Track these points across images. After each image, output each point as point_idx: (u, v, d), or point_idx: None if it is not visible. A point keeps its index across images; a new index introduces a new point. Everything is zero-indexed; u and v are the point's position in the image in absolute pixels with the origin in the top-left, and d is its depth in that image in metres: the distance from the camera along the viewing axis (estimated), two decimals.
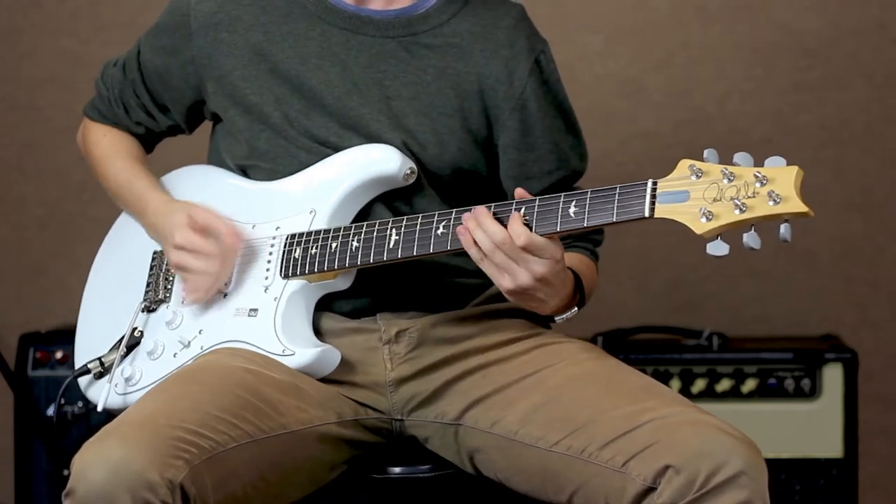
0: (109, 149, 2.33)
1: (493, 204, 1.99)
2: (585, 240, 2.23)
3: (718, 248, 1.82)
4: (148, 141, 2.38)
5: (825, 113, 3.29)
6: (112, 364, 2.21)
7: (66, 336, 2.95)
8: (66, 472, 1.90)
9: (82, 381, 2.26)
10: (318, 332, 2.15)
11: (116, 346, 2.23)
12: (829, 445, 2.93)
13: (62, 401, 2.86)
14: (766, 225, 1.82)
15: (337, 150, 2.16)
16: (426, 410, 2.15)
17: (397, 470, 2.16)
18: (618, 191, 1.90)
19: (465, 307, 2.19)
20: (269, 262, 2.15)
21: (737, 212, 1.81)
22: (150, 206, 2.23)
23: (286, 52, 2.17)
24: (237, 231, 2.16)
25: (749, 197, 1.81)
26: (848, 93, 3.29)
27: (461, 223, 1.98)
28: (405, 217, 2.06)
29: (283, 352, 2.09)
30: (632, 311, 3.25)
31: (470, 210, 1.99)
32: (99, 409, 2.20)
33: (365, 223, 2.09)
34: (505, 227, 1.95)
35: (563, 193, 1.95)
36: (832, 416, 2.93)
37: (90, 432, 2.09)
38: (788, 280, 3.30)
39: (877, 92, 3.29)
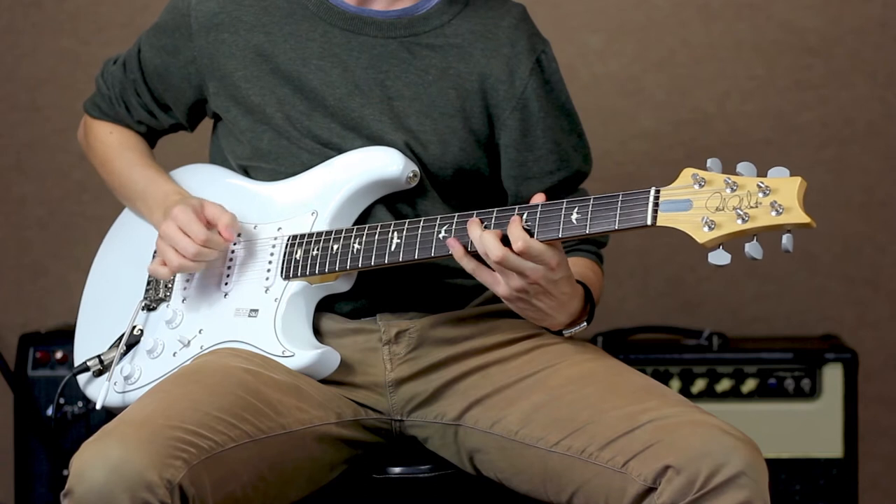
0: (118, 144, 2.33)
1: (495, 209, 1.99)
2: (590, 242, 2.23)
3: (720, 258, 1.82)
4: (150, 139, 2.38)
5: (827, 112, 3.29)
6: (111, 362, 2.21)
7: (66, 336, 2.95)
8: (65, 472, 1.89)
9: (81, 378, 2.26)
10: (317, 332, 2.15)
11: (116, 344, 2.23)
12: (829, 445, 2.92)
13: (61, 400, 2.87)
14: (768, 235, 1.81)
15: (339, 150, 2.16)
16: (426, 411, 2.15)
17: (397, 470, 2.16)
18: (620, 198, 1.90)
19: (464, 308, 2.19)
20: (270, 262, 2.15)
21: (739, 221, 1.81)
22: (170, 198, 2.21)
23: (288, 53, 2.17)
24: (235, 229, 2.15)
25: (752, 207, 1.81)
26: (850, 91, 3.28)
27: (463, 227, 1.98)
28: (407, 220, 2.06)
29: (282, 353, 2.09)
30: (632, 311, 3.25)
31: (472, 215, 1.99)
32: (97, 406, 2.21)
33: (367, 226, 2.09)
34: (504, 233, 1.95)
35: (565, 200, 1.95)
36: (832, 416, 2.92)
37: (90, 432, 2.09)
38: (788, 280, 3.30)
39: (879, 90, 3.28)
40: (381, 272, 2.10)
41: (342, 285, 2.14)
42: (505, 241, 1.96)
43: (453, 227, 2.01)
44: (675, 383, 2.95)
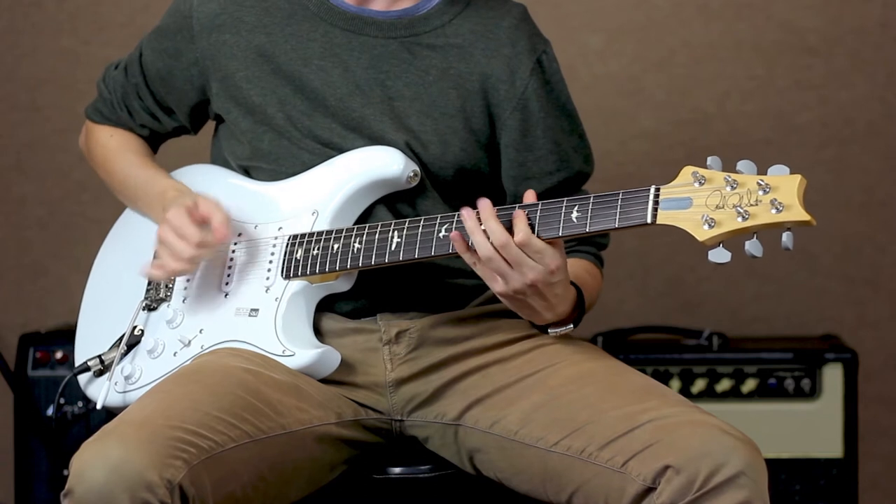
0: (118, 146, 2.34)
1: (498, 207, 1.98)
2: (590, 243, 2.23)
3: (720, 256, 1.82)
4: (152, 142, 2.38)
5: (826, 112, 3.29)
6: (112, 362, 2.21)
7: (66, 336, 2.95)
8: (65, 472, 1.89)
9: (82, 378, 2.26)
10: (318, 332, 2.15)
11: (117, 344, 2.23)
12: (829, 445, 2.92)
13: (62, 401, 2.87)
14: (768, 233, 1.81)
15: (340, 151, 2.16)
16: (426, 411, 2.15)
17: (397, 470, 2.16)
18: (620, 196, 1.90)
19: (465, 308, 2.19)
20: (270, 262, 2.15)
21: (739, 219, 1.81)
22: (167, 194, 2.21)
23: (288, 53, 2.17)
24: (230, 228, 2.14)
25: (752, 205, 1.81)
26: (850, 91, 3.28)
27: (461, 225, 1.98)
28: (407, 219, 2.06)
29: (283, 352, 2.09)
30: (632, 311, 3.25)
31: (469, 209, 1.98)
32: (98, 406, 2.21)
33: (367, 225, 2.09)
34: (507, 228, 1.95)
35: (566, 198, 1.95)
36: (832, 416, 2.92)
37: (90, 432, 2.09)
38: (788, 280, 3.30)
39: (878, 90, 3.29)
40: (381, 272, 2.10)
41: (343, 285, 2.14)
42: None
43: (453, 226, 2.01)
44: (675, 383, 2.95)
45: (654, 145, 3.29)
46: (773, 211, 1.79)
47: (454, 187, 2.17)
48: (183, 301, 2.21)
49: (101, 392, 2.21)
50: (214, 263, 2.18)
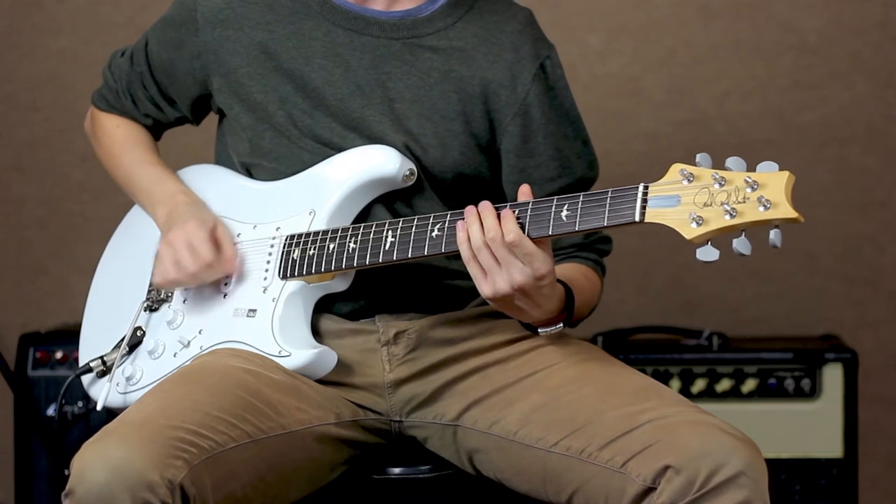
0: (125, 138, 2.34)
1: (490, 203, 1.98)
2: (591, 250, 2.22)
3: (708, 254, 1.81)
4: (155, 131, 2.38)
5: (826, 112, 3.29)
6: (114, 363, 2.21)
7: (66, 336, 2.96)
8: (66, 472, 1.89)
9: (85, 379, 2.27)
10: (317, 333, 2.15)
11: (119, 345, 2.23)
12: (829, 445, 2.92)
13: (62, 401, 2.86)
14: (757, 230, 1.80)
15: (340, 150, 2.16)
16: (424, 412, 2.15)
17: (397, 470, 2.16)
18: (609, 194, 1.89)
19: (463, 308, 2.19)
20: (268, 262, 2.15)
21: (727, 217, 1.79)
22: (177, 197, 2.22)
23: (290, 51, 2.17)
24: (235, 265, 2.16)
25: (739, 202, 1.79)
26: (850, 91, 3.28)
27: (455, 226, 1.97)
28: (401, 219, 2.05)
29: (279, 353, 2.09)
30: (632, 311, 3.25)
31: (469, 208, 1.98)
32: (98, 408, 2.21)
33: (362, 225, 2.09)
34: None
35: (556, 197, 1.94)
36: (832, 416, 2.92)
37: (90, 432, 2.09)
38: (788, 280, 3.30)
39: (878, 90, 3.28)
40: (380, 273, 2.10)
41: (340, 284, 2.14)
42: None
43: (446, 225, 2.01)
44: (675, 383, 2.95)
45: (654, 145, 3.29)
46: (761, 208, 1.78)
47: (453, 190, 2.17)
48: (183, 302, 2.21)
49: (101, 393, 2.21)
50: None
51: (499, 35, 2.16)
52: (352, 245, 2.08)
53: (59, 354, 2.96)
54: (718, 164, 1.84)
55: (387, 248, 2.05)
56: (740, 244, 1.80)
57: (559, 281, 2.03)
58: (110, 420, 1.95)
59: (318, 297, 2.14)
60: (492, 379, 2.12)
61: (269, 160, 2.19)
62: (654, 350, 2.99)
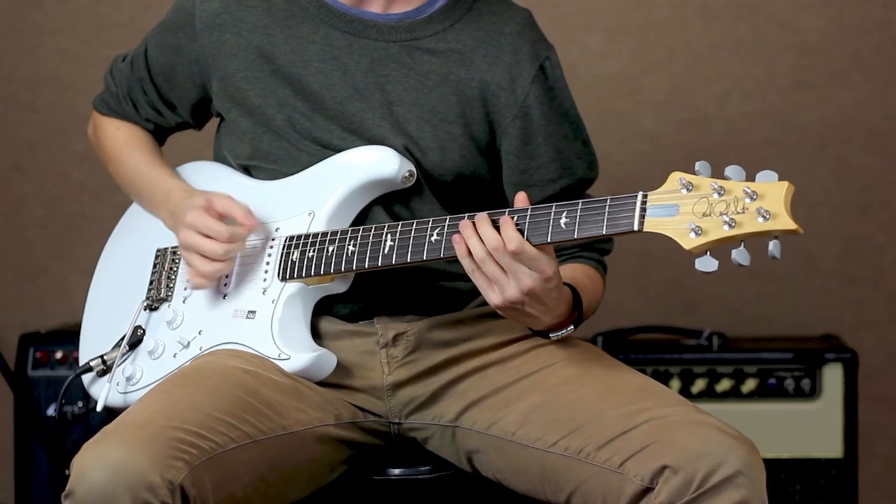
0: (125, 142, 2.34)
1: (487, 212, 1.97)
2: (592, 249, 2.22)
3: (707, 264, 1.80)
4: (158, 136, 2.38)
5: (826, 112, 3.29)
6: (114, 362, 2.21)
7: (66, 336, 2.96)
8: (66, 473, 1.89)
9: (86, 378, 2.26)
10: (316, 334, 2.15)
11: (119, 344, 2.23)
12: (829, 445, 2.92)
13: (62, 401, 2.87)
14: (755, 240, 1.79)
15: (339, 153, 2.15)
16: (423, 413, 2.15)
17: (397, 471, 2.16)
18: (608, 202, 1.88)
19: (462, 310, 2.19)
20: (267, 263, 2.15)
21: (726, 228, 1.78)
22: (172, 195, 2.22)
23: (288, 54, 2.16)
24: (253, 218, 2.13)
25: (738, 213, 1.78)
26: (850, 91, 3.28)
27: (456, 230, 1.97)
28: (400, 223, 2.05)
29: (278, 356, 2.09)
30: (632, 311, 3.25)
31: (465, 217, 1.98)
32: (98, 407, 2.21)
33: (361, 227, 2.08)
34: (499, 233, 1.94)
35: (555, 203, 1.93)
36: (832, 416, 2.92)
37: (90, 432, 2.09)
38: (788, 280, 3.30)
39: (878, 90, 3.29)
40: (379, 275, 2.10)
41: (339, 286, 2.13)
42: None
43: (445, 229, 2.00)
44: (675, 383, 2.95)
45: (654, 145, 3.29)
46: (760, 219, 1.76)
47: (453, 192, 2.17)
48: (183, 301, 2.21)
49: (101, 393, 2.21)
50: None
51: (497, 37, 2.15)
52: (351, 248, 2.08)
53: (59, 354, 2.96)
54: (718, 167, 1.83)
55: (386, 251, 2.05)
56: (739, 255, 1.79)
57: (565, 284, 2.03)
58: (110, 420, 1.95)
59: (318, 298, 2.14)
60: (490, 379, 2.12)
61: (268, 162, 2.19)
62: (654, 350, 2.99)
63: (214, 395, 1.99)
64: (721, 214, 1.79)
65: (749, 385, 2.95)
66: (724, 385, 2.95)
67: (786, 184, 1.78)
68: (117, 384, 2.20)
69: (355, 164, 2.13)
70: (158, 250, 2.28)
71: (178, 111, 2.32)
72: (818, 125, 3.29)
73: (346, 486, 2.15)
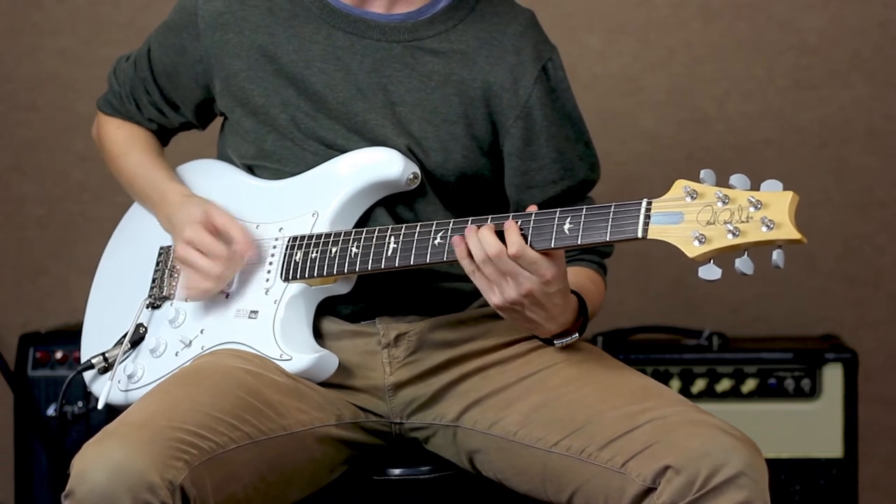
0: (125, 142, 2.34)
1: (490, 216, 1.97)
2: (593, 252, 2.22)
3: (711, 273, 1.81)
4: (161, 136, 2.38)
5: (826, 112, 3.29)
6: (116, 359, 2.21)
7: (66, 336, 2.96)
8: (67, 473, 1.89)
9: (87, 376, 2.27)
10: (317, 334, 2.15)
11: (121, 342, 2.23)
12: (829, 445, 2.92)
13: (62, 401, 2.87)
14: (759, 249, 1.79)
15: (344, 153, 2.15)
16: (425, 413, 2.15)
17: (397, 471, 2.17)
18: (612, 209, 1.88)
19: (464, 311, 2.18)
20: (270, 263, 2.15)
21: (730, 236, 1.78)
22: (167, 197, 2.22)
23: (291, 55, 2.16)
24: (251, 240, 2.15)
25: (742, 221, 1.78)
26: (850, 91, 3.28)
27: (458, 233, 1.97)
28: (404, 225, 2.05)
29: (280, 356, 2.09)
30: (632, 311, 3.25)
31: (468, 221, 1.98)
32: (100, 405, 2.21)
33: (364, 229, 2.08)
34: (502, 239, 1.94)
35: (559, 209, 1.93)
36: (832, 416, 2.92)
37: (90, 432, 2.09)
38: (788, 280, 3.30)
39: (878, 90, 3.29)
40: (381, 275, 2.10)
41: (342, 287, 2.13)
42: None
43: (449, 232, 2.00)
44: (675, 383, 2.95)
45: (654, 145, 3.29)
46: (764, 229, 1.77)
47: (456, 193, 2.17)
48: (176, 297, 2.21)
49: (103, 390, 2.21)
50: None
51: (500, 37, 2.15)
52: (354, 249, 2.08)
53: (59, 354, 2.96)
54: (718, 167, 1.83)
55: (389, 254, 2.05)
56: (743, 264, 1.79)
57: (572, 291, 2.03)
58: (110, 420, 1.95)
59: (320, 299, 2.14)
60: (492, 379, 2.12)
61: (272, 162, 2.19)
62: (654, 350, 3.00)
63: (215, 395, 1.99)
64: (725, 223, 1.79)
65: (749, 385, 2.95)
66: (724, 385, 2.95)
67: (790, 193, 1.78)
68: (118, 382, 2.20)
69: (360, 165, 2.13)
70: (161, 248, 2.28)
71: (181, 111, 2.32)
72: (818, 125, 3.29)
73: (346, 486, 2.15)
